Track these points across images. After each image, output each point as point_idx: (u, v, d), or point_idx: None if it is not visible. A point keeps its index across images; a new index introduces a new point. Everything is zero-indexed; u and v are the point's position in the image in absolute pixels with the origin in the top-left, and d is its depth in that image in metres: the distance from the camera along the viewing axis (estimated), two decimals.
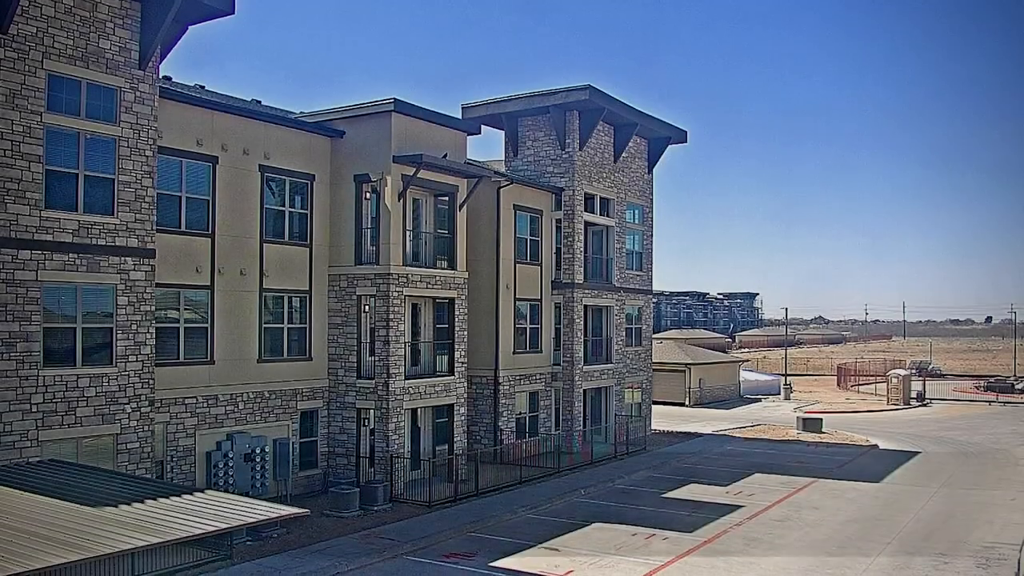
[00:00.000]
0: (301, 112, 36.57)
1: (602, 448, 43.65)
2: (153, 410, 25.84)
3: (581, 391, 44.58)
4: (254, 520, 17.06)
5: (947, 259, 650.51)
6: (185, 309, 29.18)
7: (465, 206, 36.21)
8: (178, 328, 28.79)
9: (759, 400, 79.12)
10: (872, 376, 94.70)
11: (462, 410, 36.23)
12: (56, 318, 23.61)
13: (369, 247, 33.40)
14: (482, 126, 42.81)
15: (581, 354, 44.58)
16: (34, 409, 22.79)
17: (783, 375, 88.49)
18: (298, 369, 32.73)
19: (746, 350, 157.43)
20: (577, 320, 44.21)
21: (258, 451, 30.27)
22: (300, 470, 32.48)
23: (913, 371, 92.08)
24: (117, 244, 24.74)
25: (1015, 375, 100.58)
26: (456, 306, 35.87)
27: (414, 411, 34.32)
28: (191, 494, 18.56)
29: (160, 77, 27.03)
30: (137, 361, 25.15)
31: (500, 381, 40.66)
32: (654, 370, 55.04)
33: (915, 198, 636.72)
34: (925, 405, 75.43)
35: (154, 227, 25.90)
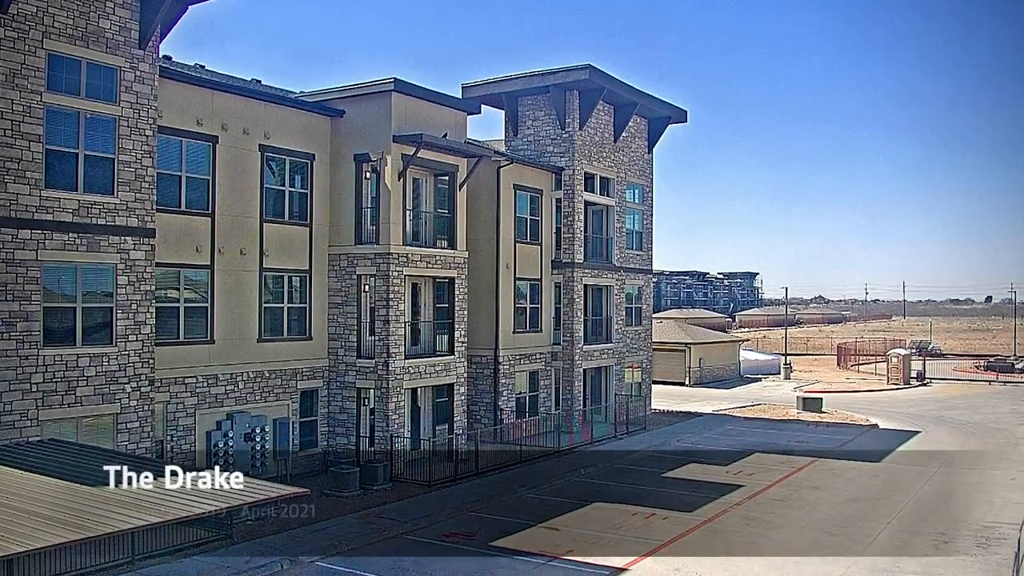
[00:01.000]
0: (301, 92, 36.48)
1: (602, 428, 43.73)
2: (153, 389, 25.88)
3: (581, 371, 44.59)
4: (254, 500, 17.09)
5: (947, 239, 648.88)
6: (185, 288, 29.18)
7: (465, 186, 36.14)
8: (178, 307, 28.79)
9: (759, 380, 79.17)
10: (872, 356, 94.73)
11: (462, 390, 36.27)
12: (56, 298, 23.61)
13: (369, 227, 33.35)
14: (482, 106, 42.62)
15: (581, 334, 44.57)
16: (34, 389, 22.82)
17: (783, 355, 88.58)
18: (298, 349, 32.74)
19: (746, 330, 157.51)
20: (577, 300, 44.18)
21: (258, 431, 30.31)
22: (300, 450, 32.52)
23: (913, 351, 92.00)
24: (117, 223, 24.71)
25: (1015, 355, 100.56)
26: (456, 286, 35.85)
27: (414, 391, 34.36)
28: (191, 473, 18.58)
29: (160, 57, 26.92)
30: (137, 340, 25.15)
31: (500, 361, 40.68)
32: (654, 350, 55.02)
33: (915, 178, 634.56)
34: (925, 385, 75.48)
35: (154, 207, 25.87)
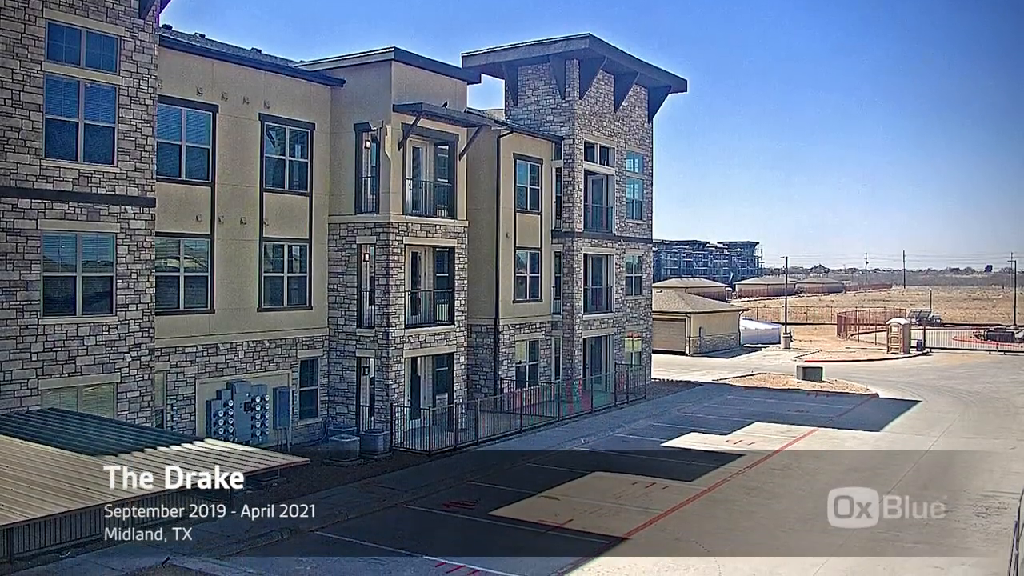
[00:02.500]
0: (301, 61, 36.27)
1: (602, 397, 43.78)
2: (153, 359, 25.89)
3: (581, 340, 44.63)
4: (254, 469, 17.12)
5: (947, 208, 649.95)
6: (185, 258, 29.13)
7: (465, 155, 36.00)
8: (178, 277, 28.76)
9: (759, 349, 79.23)
10: (872, 325, 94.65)
11: (462, 359, 36.30)
12: (56, 267, 23.60)
13: (369, 196, 33.26)
14: (482, 75, 42.48)
15: (581, 303, 44.57)
16: (34, 358, 22.84)
17: (783, 324, 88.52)
18: (298, 318, 32.73)
19: (746, 299, 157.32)
20: (577, 269, 44.15)
21: (258, 400, 30.38)
22: (300, 419, 32.60)
23: (913, 320, 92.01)
24: (117, 193, 24.64)
25: (1015, 324, 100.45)
26: (456, 255, 35.79)
27: (414, 360, 34.39)
28: (191, 443, 18.62)
29: (160, 26, 26.70)
30: (137, 310, 25.14)
31: (500, 330, 40.69)
32: (654, 319, 55.06)
33: (915, 146, 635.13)
34: (925, 354, 75.52)
35: (154, 176, 25.79)
